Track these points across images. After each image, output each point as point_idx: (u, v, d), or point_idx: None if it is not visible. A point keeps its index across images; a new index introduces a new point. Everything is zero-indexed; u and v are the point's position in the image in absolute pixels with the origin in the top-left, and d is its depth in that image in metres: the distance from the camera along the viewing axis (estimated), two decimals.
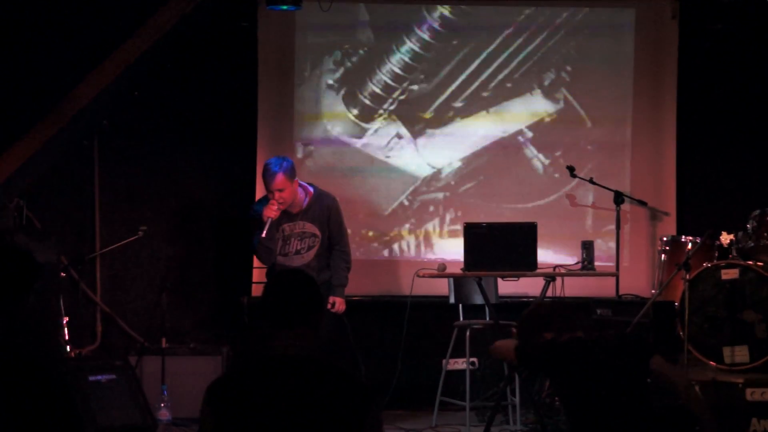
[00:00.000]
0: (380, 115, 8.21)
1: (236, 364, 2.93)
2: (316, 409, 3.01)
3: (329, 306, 6.76)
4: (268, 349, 3.14)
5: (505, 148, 8.23)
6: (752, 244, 6.86)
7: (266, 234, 6.62)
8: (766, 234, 6.84)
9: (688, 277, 6.47)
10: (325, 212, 6.85)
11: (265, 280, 7.11)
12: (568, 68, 8.21)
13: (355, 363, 7.47)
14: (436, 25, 8.21)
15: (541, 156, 8.21)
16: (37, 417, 3.09)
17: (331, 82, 8.20)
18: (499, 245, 6.99)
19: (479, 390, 7.59)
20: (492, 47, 8.20)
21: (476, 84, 8.21)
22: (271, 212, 6.62)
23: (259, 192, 7.96)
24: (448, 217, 8.19)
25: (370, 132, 8.21)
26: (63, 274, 7.44)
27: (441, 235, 8.19)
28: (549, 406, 7.06)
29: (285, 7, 7.51)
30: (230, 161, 8.23)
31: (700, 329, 6.62)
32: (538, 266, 7.06)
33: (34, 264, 3.34)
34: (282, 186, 6.64)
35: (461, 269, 7.03)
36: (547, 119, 8.22)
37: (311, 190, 6.87)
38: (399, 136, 8.22)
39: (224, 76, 8.18)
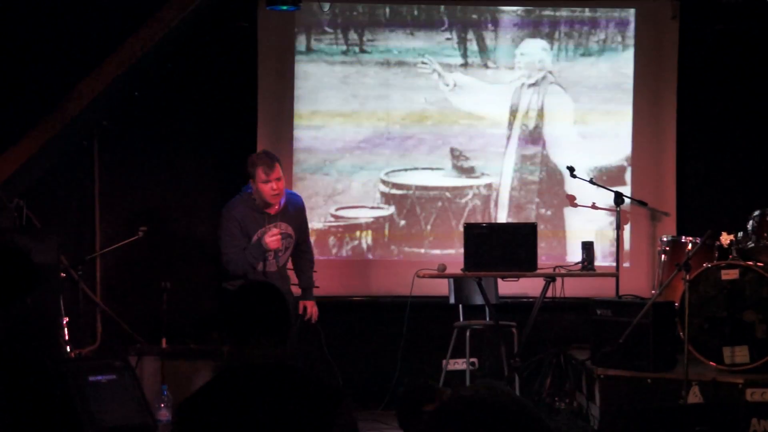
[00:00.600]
0: (381, 115, 8.21)
1: (208, 384, 2.93)
2: (287, 415, 2.98)
3: (300, 311, 6.71)
4: (235, 362, 3.12)
5: (506, 148, 8.23)
6: (752, 245, 6.87)
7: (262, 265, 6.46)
8: (766, 234, 6.84)
9: (688, 277, 6.47)
10: (299, 213, 6.73)
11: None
12: (568, 68, 8.20)
13: (331, 371, 7.27)
14: (435, 24, 8.21)
15: (541, 156, 8.21)
16: (35, 417, 3.09)
17: (331, 81, 8.20)
18: (500, 245, 6.99)
19: None
20: (491, 47, 8.20)
21: (475, 83, 8.21)
22: (277, 243, 6.47)
23: None
24: (448, 217, 8.19)
25: (371, 132, 8.21)
26: (63, 275, 7.43)
27: (441, 236, 8.18)
28: (549, 407, 7.06)
29: (284, 8, 7.52)
30: (230, 161, 8.22)
31: (700, 330, 6.63)
32: (538, 266, 7.06)
33: (34, 266, 3.33)
34: (280, 175, 6.49)
35: (461, 269, 7.03)
36: (547, 119, 8.22)
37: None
38: (400, 136, 8.21)
39: (224, 76, 8.18)
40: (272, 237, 6.45)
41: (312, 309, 6.79)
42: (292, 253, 6.77)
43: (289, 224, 6.65)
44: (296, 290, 6.90)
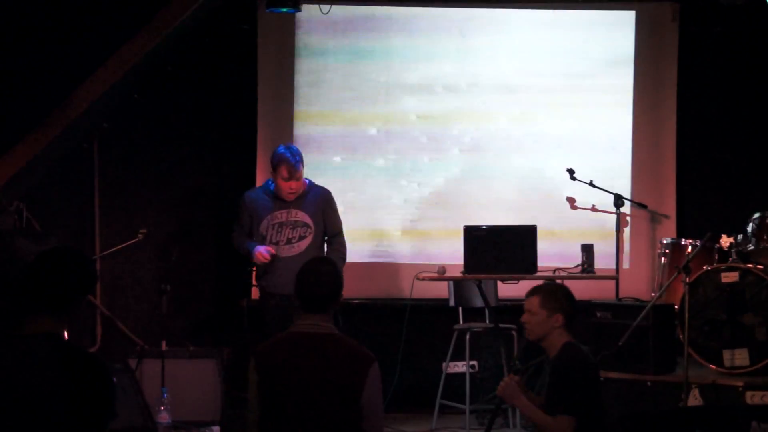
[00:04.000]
0: (381, 115, 8.21)
1: (277, 338, 4.10)
2: (331, 371, 3.87)
3: None
4: (297, 327, 4.00)
5: (506, 150, 8.22)
6: (752, 247, 6.86)
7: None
8: (766, 237, 6.84)
9: (688, 280, 6.47)
10: (319, 202, 6.89)
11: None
12: (569, 70, 8.20)
13: None
14: (434, 25, 8.21)
15: (541, 158, 8.21)
16: (93, 403, 3.30)
17: (330, 82, 8.19)
18: (499, 248, 6.99)
19: (479, 393, 7.59)
20: (491, 49, 8.20)
21: (475, 85, 8.21)
22: (262, 260, 6.78)
23: None
24: (448, 220, 8.17)
25: (370, 132, 8.21)
26: None
27: (441, 238, 8.17)
28: None
29: (284, 10, 7.53)
30: (230, 164, 8.24)
31: (700, 332, 6.63)
32: (538, 269, 7.05)
33: (93, 266, 3.70)
34: (301, 176, 6.79)
35: (461, 272, 7.02)
36: (547, 121, 8.21)
37: (306, 181, 6.93)
38: (400, 136, 8.21)
39: (224, 78, 8.18)
40: (262, 252, 6.75)
41: None
42: (325, 246, 6.96)
43: (305, 212, 6.85)
44: None
